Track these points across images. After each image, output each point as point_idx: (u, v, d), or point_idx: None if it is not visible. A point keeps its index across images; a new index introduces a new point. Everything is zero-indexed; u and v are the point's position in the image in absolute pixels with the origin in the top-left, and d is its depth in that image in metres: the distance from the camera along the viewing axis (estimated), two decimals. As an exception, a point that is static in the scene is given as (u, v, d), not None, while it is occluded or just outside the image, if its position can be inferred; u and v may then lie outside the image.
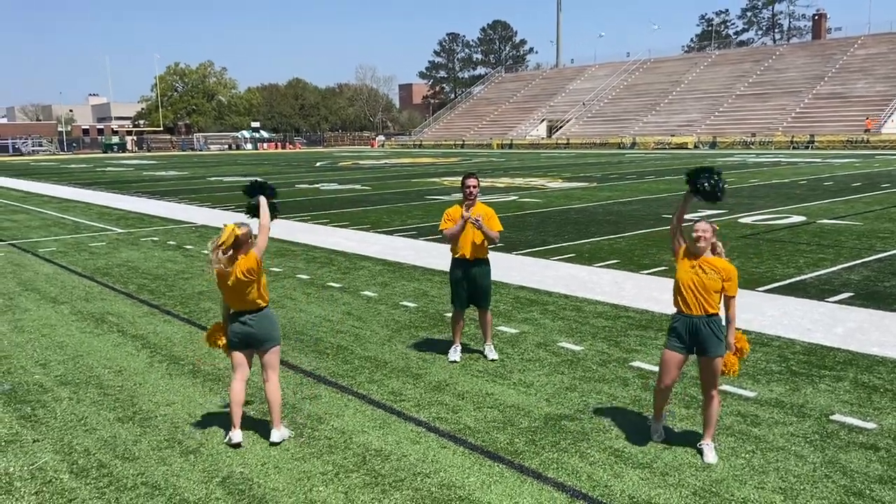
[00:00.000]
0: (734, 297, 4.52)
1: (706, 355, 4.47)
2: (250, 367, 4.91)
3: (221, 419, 5.17)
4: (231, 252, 4.67)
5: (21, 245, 13.64)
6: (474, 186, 6.19)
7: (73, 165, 50.82)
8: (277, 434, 4.78)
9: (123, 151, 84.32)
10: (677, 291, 4.54)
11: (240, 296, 4.74)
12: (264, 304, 4.83)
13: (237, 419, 4.78)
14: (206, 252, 12.30)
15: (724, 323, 4.53)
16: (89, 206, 21.27)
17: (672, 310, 4.69)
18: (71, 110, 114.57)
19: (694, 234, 4.50)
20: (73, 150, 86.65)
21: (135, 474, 4.38)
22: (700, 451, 4.50)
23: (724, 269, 4.47)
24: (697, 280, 4.45)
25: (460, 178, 6.38)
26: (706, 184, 4.61)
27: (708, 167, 4.68)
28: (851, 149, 49.39)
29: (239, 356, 4.85)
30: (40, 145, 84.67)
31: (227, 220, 16.77)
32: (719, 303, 4.49)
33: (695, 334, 4.46)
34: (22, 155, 77.66)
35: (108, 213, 19.21)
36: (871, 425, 4.86)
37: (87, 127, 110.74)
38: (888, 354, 6.25)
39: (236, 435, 4.73)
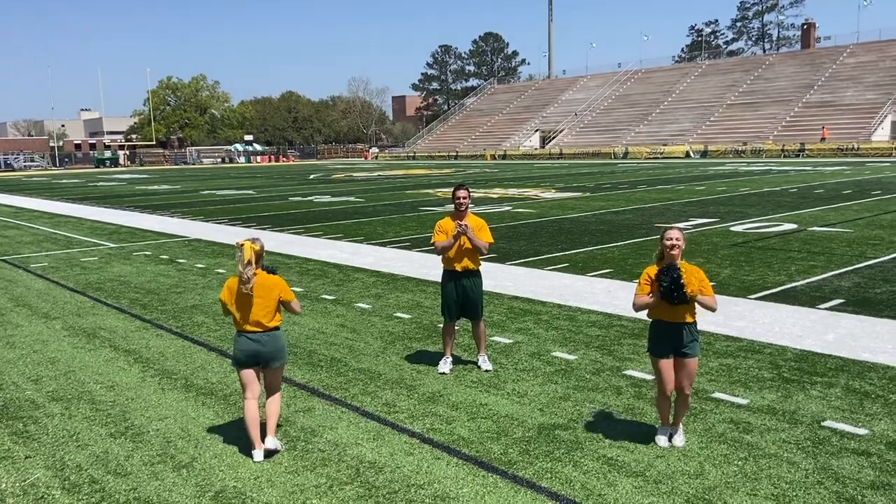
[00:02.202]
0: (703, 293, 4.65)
1: (686, 357, 4.67)
2: (260, 382, 4.91)
3: (214, 433, 5.17)
4: (253, 267, 4.77)
5: (12, 261, 13.60)
6: (465, 198, 6.22)
7: (64, 180, 50.73)
8: (271, 441, 4.77)
9: (116, 166, 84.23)
10: (662, 304, 4.62)
11: (257, 315, 4.79)
12: (278, 324, 4.90)
13: (257, 440, 4.74)
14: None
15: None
16: (81, 220, 21.22)
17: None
18: (63, 125, 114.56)
19: (667, 243, 4.61)
20: (65, 165, 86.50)
21: (127, 490, 4.36)
22: (670, 437, 4.79)
23: (696, 274, 4.63)
24: None
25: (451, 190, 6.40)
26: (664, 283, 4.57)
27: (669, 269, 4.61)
28: (842, 157, 49.75)
29: (248, 374, 4.84)
30: (32, 161, 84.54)
31: (220, 233, 16.76)
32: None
33: (678, 339, 4.64)
34: (14, 171, 77.48)
35: (100, 227, 19.17)
36: (862, 431, 4.88)
37: (80, 142, 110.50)
38: (879, 360, 6.29)
39: (258, 454, 4.72)
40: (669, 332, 4.65)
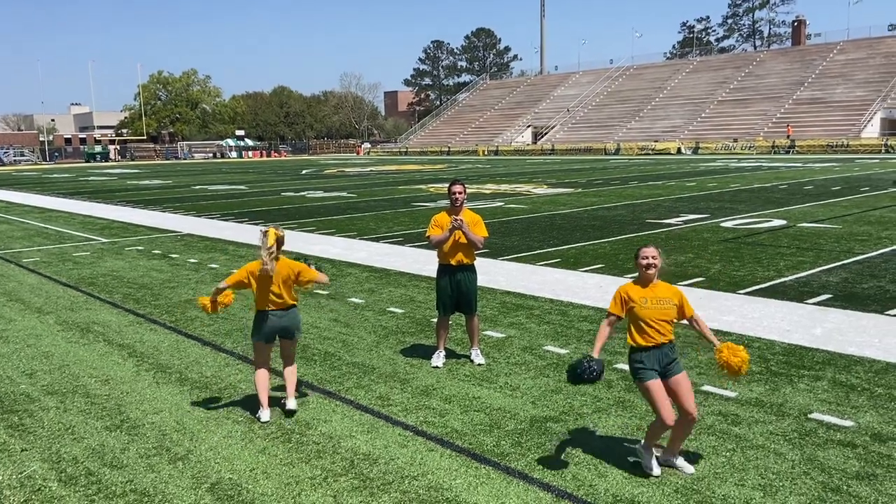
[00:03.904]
0: (694, 312, 4.46)
1: (676, 374, 4.34)
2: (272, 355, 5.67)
3: (209, 426, 5.21)
4: (275, 252, 5.30)
5: (4, 255, 13.56)
6: (460, 193, 6.27)
7: (55, 175, 50.45)
8: (293, 402, 5.42)
9: (106, 161, 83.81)
10: (640, 330, 4.32)
11: (279, 294, 5.36)
12: (295, 303, 5.52)
13: (266, 401, 5.34)
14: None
15: (708, 336, 4.47)
16: (72, 215, 21.15)
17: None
18: (53, 120, 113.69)
19: (643, 262, 4.31)
20: (55, 159, 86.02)
21: (123, 482, 4.40)
22: (665, 462, 4.41)
23: (674, 294, 4.38)
24: (658, 313, 4.30)
25: (446, 185, 6.46)
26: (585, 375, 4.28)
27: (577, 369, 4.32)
28: (832, 153, 50.05)
29: (266, 348, 5.50)
30: (22, 155, 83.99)
31: (213, 228, 16.75)
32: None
33: (664, 362, 4.32)
34: (3, 165, 76.95)
35: (92, 222, 19.11)
36: (848, 423, 4.97)
37: (70, 136, 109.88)
38: (865, 354, 6.39)
39: (265, 414, 5.29)
40: (658, 357, 4.30)
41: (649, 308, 4.31)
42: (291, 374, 5.56)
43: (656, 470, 4.32)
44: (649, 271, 4.32)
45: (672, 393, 4.32)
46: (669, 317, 4.33)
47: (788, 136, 54.71)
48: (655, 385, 4.28)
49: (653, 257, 4.31)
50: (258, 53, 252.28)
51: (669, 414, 4.25)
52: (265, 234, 5.28)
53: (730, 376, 4.57)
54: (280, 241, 5.32)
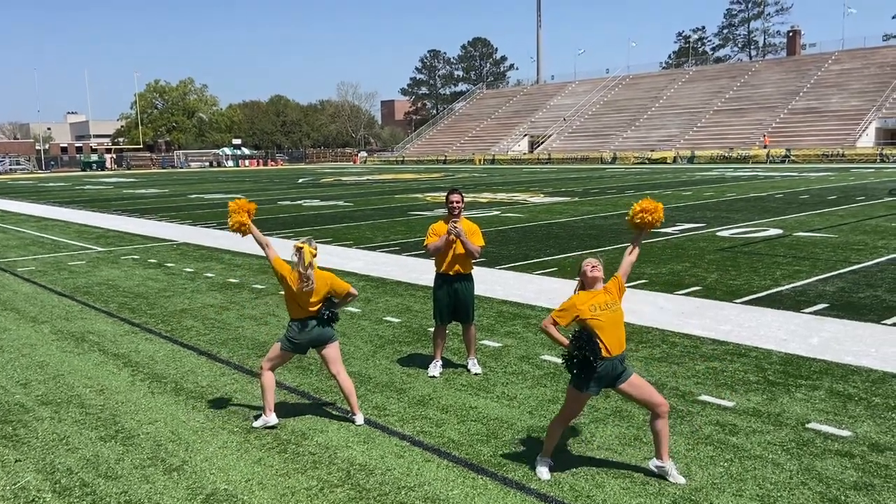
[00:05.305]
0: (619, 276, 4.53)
1: (627, 379, 4.35)
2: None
3: (205, 436, 5.18)
4: (311, 270, 5.21)
5: (-1, 264, 13.51)
6: (458, 202, 6.27)
7: (51, 184, 50.39)
8: (360, 418, 5.36)
9: (102, 169, 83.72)
10: (594, 336, 4.27)
11: (312, 305, 5.29)
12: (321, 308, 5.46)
13: (272, 404, 5.31)
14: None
15: None
16: (68, 224, 21.11)
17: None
18: (49, 128, 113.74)
19: (589, 274, 4.34)
20: (51, 168, 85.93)
21: (118, 493, 4.37)
22: (662, 471, 4.37)
23: (614, 287, 4.44)
24: (612, 318, 4.32)
25: (443, 194, 6.46)
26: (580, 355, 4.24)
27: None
28: (827, 162, 50.24)
29: (288, 358, 5.52)
30: (18, 164, 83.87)
31: (209, 237, 16.72)
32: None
33: (613, 374, 4.31)
34: (-1, 173, 76.82)
35: (88, 231, 19.07)
36: (845, 433, 4.96)
37: (66, 145, 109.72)
38: (862, 364, 6.38)
39: (273, 418, 5.28)
40: (608, 370, 4.29)
41: (605, 312, 4.31)
42: (347, 385, 5.38)
43: (544, 474, 4.43)
44: (595, 285, 4.39)
45: (631, 395, 4.36)
46: (620, 321, 4.37)
47: (765, 146, 55.00)
48: (584, 398, 4.40)
49: (596, 268, 4.39)
50: (255, 62, 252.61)
51: (568, 422, 4.56)
52: (299, 250, 5.14)
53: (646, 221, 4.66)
54: (314, 255, 5.21)
